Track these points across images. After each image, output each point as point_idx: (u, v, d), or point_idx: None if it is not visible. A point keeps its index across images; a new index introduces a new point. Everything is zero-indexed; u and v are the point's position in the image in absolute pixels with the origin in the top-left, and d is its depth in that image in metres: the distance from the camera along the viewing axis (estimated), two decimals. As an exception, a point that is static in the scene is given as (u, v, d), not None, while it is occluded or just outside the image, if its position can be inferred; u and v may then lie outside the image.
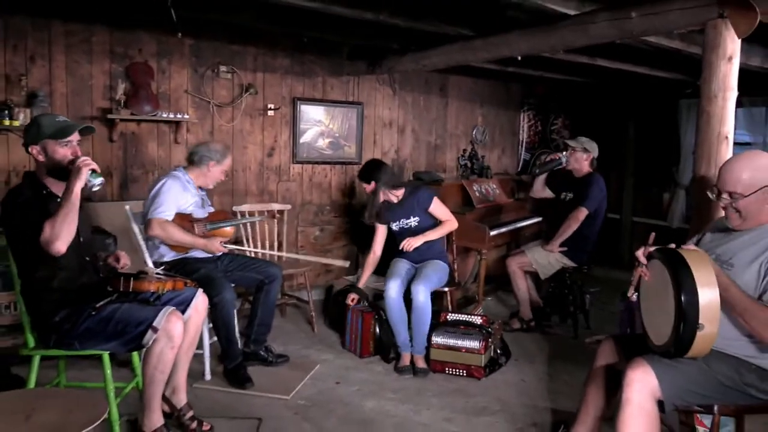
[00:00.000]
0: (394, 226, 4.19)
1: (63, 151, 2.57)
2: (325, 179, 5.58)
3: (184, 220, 3.55)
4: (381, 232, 4.27)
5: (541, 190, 5.00)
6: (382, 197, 4.09)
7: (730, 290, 2.14)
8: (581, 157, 4.70)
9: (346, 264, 4.35)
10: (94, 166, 2.53)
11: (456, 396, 3.58)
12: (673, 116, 6.48)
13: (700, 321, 2.03)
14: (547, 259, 4.66)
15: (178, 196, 3.55)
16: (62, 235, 2.41)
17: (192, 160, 3.72)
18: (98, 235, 3.81)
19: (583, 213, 4.53)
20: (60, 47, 4.14)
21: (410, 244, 4.01)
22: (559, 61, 4.83)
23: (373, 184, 4.08)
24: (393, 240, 4.27)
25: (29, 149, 2.59)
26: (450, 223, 4.16)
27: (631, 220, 7.10)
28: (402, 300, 3.90)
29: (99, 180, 2.55)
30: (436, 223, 4.15)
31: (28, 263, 2.59)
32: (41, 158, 2.58)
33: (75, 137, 2.62)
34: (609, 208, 6.97)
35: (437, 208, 4.13)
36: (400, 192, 4.14)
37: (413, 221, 4.12)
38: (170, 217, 3.47)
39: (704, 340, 2.07)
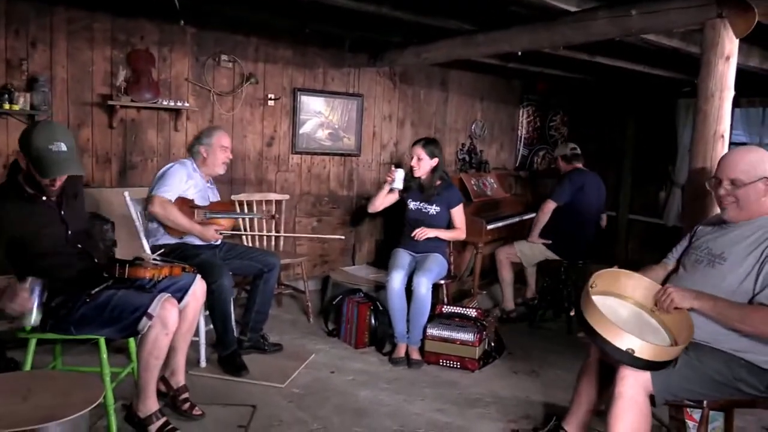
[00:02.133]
0: (412, 205, 4.24)
1: (46, 180, 2.51)
2: (323, 170, 5.60)
3: (184, 204, 3.58)
4: (392, 199, 4.31)
5: None
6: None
7: (717, 305, 2.22)
8: (558, 162, 5.04)
9: (342, 238, 4.56)
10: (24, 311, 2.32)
11: (449, 387, 3.61)
12: (672, 115, 6.50)
13: (625, 349, 2.12)
14: (531, 249, 4.83)
15: (182, 181, 3.59)
16: None
17: (190, 153, 3.80)
18: (96, 221, 3.83)
19: (548, 204, 4.74)
20: (62, 33, 4.14)
21: (424, 233, 4.07)
22: (559, 57, 4.85)
23: (435, 161, 4.16)
24: (393, 230, 4.33)
25: (18, 151, 2.53)
26: (460, 232, 4.25)
27: (628, 217, 7.12)
28: (404, 291, 3.94)
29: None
30: (449, 223, 4.23)
31: (23, 255, 2.59)
32: (24, 167, 2.52)
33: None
34: (605, 205, 7.01)
35: (458, 213, 4.24)
36: (439, 182, 4.23)
37: (433, 209, 4.18)
38: (172, 198, 3.50)
39: (660, 351, 2.15)
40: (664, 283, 2.52)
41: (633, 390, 2.19)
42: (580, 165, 4.93)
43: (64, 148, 2.47)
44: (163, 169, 3.62)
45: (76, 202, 2.81)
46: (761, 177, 2.28)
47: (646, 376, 2.19)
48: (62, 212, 2.68)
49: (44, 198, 2.59)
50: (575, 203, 4.74)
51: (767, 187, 2.29)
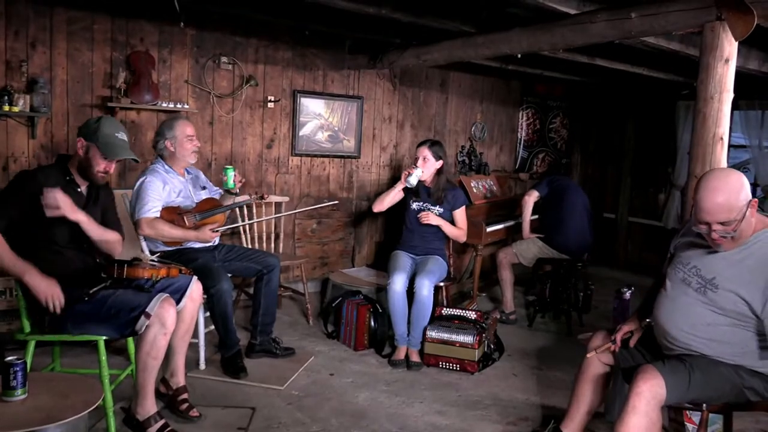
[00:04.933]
0: (414, 205, 4.26)
1: (103, 164, 2.73)
2: (323, 172, 5.60)
3: (172, 213, 3.51)
4: (397, 197, 4.29)
5: None
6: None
7: None
8: None
9: (336, 202, 4.84)
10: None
11: (449, 390, 3.61)
12: (671, 117, 6.51)
13: None
14: (527, 246, 4.92)
15: (161, 190, 3.49)
16: None
17: (156, 150, 3.69)
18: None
19: (529, 193, 5.00)
20: (61, 34, 4.14)
21: (428, 218, 4.12)
22: (559, 59, 4.86)
23: (440, 163, 4.20)
24: (393, 231, 4.32)
25: (78, 138, 2.74)
26: (462, 232, 4.31)
27: (627, 219, 7.13)
28: (405, 294, 3.94)
29: None
30: (452, 223, 4.29)
31: (26, 245, 2.60)
32: (80, 153, 2.73)
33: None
34: (605, 207, 7.03)
35: (461, 214, 4.30)
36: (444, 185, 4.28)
37: (437, 210, 4.23)
38: (157, 214, 3.43)
39: None
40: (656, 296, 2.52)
41: (648, 406, 2.15)
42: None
43: (125, 138, 2.81)
44: (137, 184, 3.48)
45: (97, 209, 2.86)
46: (745, 202, 2.16)
47: (662, 391, 2.15)
48: (84, 208, 2.72)
49: (79, 189, 2.77)
50: (557, 196, 4.91)
51: (753, 208, 2.18)
